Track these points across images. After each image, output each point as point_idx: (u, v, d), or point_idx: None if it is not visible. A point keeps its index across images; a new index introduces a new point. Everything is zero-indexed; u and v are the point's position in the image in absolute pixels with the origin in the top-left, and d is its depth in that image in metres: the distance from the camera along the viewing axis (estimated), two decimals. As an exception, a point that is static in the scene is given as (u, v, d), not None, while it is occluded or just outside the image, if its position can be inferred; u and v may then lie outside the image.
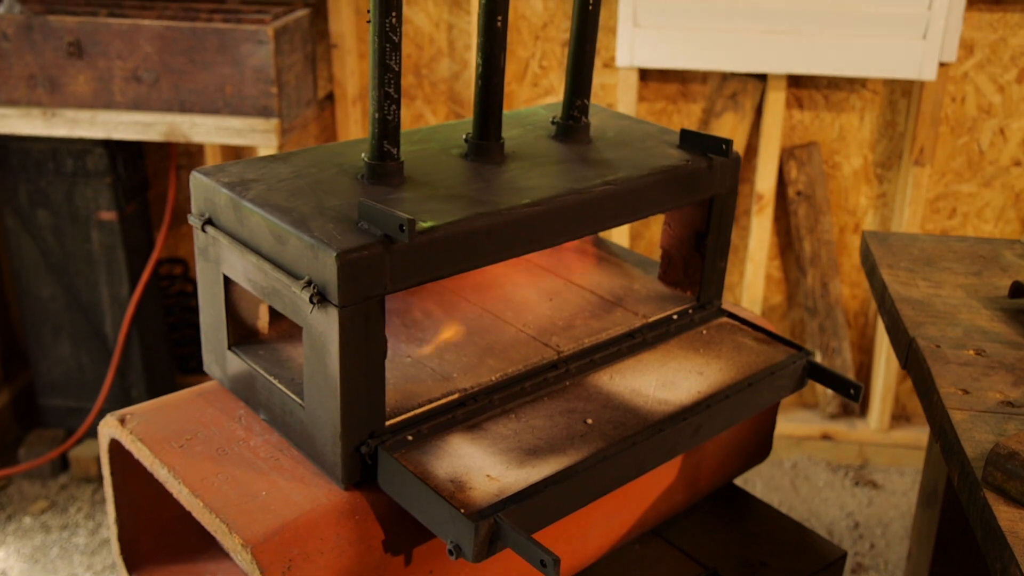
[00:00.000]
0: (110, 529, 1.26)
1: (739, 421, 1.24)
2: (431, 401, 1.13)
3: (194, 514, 1.06)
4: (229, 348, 1.19)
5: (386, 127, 1.10)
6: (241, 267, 1.11)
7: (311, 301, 1.00)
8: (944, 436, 1.18)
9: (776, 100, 2.57)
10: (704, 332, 1.34)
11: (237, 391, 1.21)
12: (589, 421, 1.14)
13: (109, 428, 1.18)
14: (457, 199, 1.11)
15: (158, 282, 2.89)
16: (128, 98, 2.38)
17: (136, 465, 1.22)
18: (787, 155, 2.70)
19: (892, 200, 2.74)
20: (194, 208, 1.17)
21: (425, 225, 1.04)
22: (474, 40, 2.65)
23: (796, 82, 2.63)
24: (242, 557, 1.00)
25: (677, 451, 1.16)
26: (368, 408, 1.05)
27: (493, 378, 1.18)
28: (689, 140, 1.30)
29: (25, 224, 2.67)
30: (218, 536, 1.03)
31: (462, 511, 0.97)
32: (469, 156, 1.23)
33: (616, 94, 2.66)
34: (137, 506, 1.25)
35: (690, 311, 1.36)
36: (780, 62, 2.47)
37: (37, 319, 2.77)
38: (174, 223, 2.94)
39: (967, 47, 2.55)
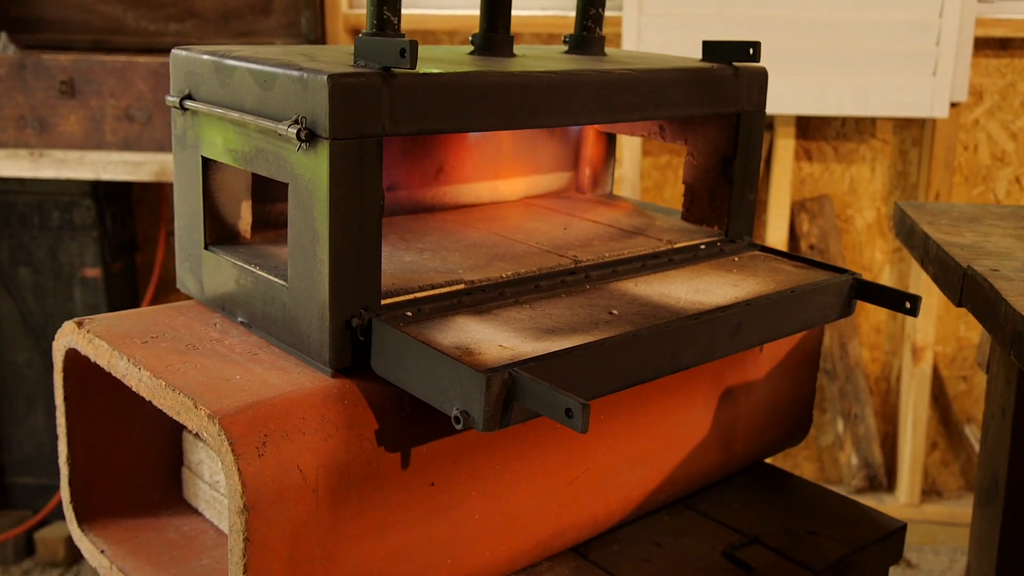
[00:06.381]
0: (60, 471, 1.09)
1: (782, 335, 1.09)
2: (433, 287, 0.99)
3: (155, 402, 0.91)
4: (206, 248, 1.06)
5: (386, -10, 1.00)
6: (221, 138, 0.99)
7: (299, 138, 0.88)
8: (1020, 340, 1.03)
9: (785, 147, 2.51)
10: (736, 259, 1.21)
11: (213, 301, 1.06)
12: (614, 311, 0.99)
13: (65, 337, 1.03)
14: (464, 66, 1.00)
15: (142, 350, 2.74)
16: (119, 138, 2.30)
17: (95, 391, 1.07)
18: (798, 208, 2.62)
19: (909, 256, 2.64)
20: (173, 89, 1.06)
21: (430, 70, 0.93)
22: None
23: (804, 132, 2.58)
24: (209, 431, 0.84)
25: (716, 351, 1.01)
26: (361, 275, 0.91)
27: (504, 275, 1.04)
28: (712, 50, 1.21)
29: (5, 283, 2.55)
30: (182, 418, 0.87)
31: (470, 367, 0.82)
32: (477, 51, 1.13)
33: (619, 150, 2.60)
34: (93, 447, 1.09)
35: (719, 243, 1.23)
36: (787, 103, 2.41)
37: (10, 387, 2.61)
38: (162, 290, 2.82)
39: (976, 93, 2.51)
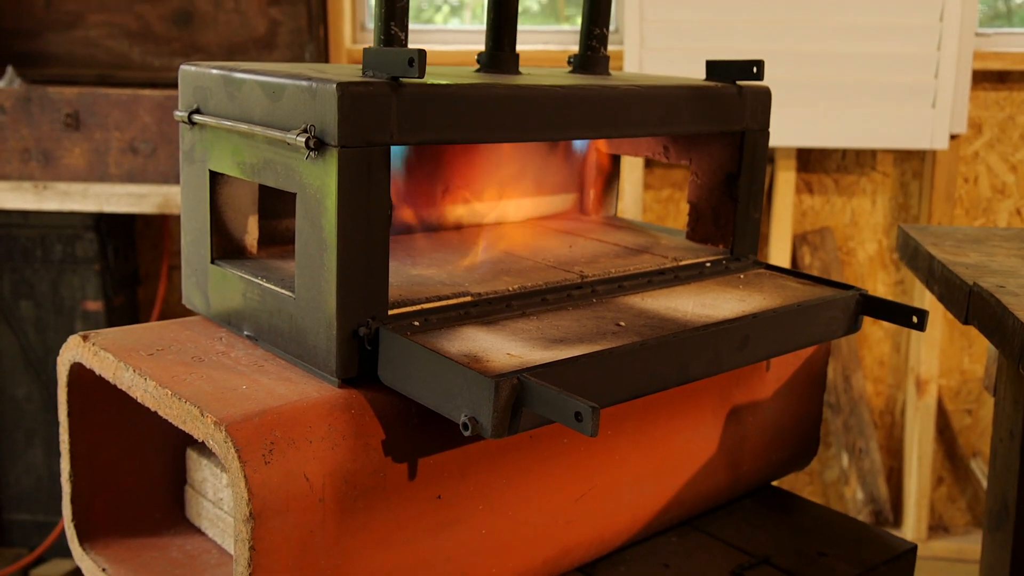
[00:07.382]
0: (62, 489, 1.08)
1: (789, 349, 1.09)
2: (440, 299, 0.99)
3: (161, 411, 0.90)
4: (212, 262, 1.05)
5: (393, 6, 1.01)
6: (229, 151, 0.99)
7: (307, 146, 0.88)
8: (1028, 353, 1.03)
9: (786, 180, 2.52)
10: (742, 276, 1.21)
11: (219, 316, 1.06)
12: (622, 323, 0.99)
13: (70, 351, 1.03)
14: (471, 80, 1.01)
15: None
16: (123, 170, 2.31)
17: (99, 407, 1.06)
18: (799, 240, 2.62)
19: (911, 287, 2.64)
20: (181, 104, 1.07)
21: (438, 81, 0.94)
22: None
23: (805, 165, 2.59)
24: (215, 439, 0.83)
25: (723, 363, 1.00)
26: (369, 284, 0.91)
27: (510, 288, 1.04)
28: (715, 69, 1.22)
29: (6, 317, 2.54)
30: (188, 427, 0.86)
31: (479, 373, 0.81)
32: (482, 69, 1.14)
33: (620, 184, 2.61)
34: (95, 465, 1.08)
35: (724, 261, 1.23)
36: (788, 136, 2.43)
37: (10, 421, 2.60)
38: (163, 325, 2.81)
39: (975, 126, 2.53)
